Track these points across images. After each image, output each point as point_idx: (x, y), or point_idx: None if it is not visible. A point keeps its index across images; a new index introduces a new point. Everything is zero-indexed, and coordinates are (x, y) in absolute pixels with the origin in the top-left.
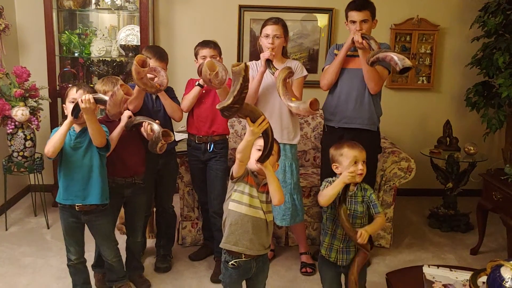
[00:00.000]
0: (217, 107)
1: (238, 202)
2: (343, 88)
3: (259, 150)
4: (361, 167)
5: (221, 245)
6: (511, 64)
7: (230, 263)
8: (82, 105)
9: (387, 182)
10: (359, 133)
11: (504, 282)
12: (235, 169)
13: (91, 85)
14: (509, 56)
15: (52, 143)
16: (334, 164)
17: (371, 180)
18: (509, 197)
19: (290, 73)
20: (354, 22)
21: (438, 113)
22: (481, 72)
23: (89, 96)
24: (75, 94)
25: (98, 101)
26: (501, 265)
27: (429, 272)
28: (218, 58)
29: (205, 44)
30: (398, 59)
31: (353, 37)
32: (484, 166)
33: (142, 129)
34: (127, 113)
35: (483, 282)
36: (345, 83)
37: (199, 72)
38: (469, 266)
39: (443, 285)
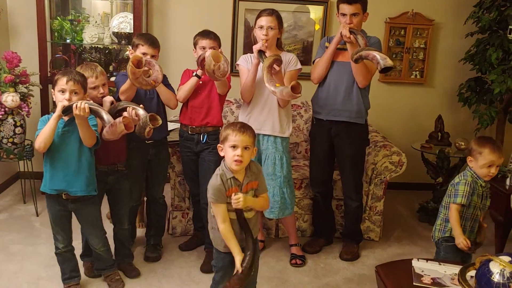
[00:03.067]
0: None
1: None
2: (332, 81)
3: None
4: (493, 171)
5: (213, 244)
6: (504, 60)
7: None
8: (76, 112)
9: (378, 176)
10: (347, 126)
11: (493, 276)
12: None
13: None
14: (502, 53)
15: (42, 138)
16: (469, 157)
17: (359, 172)
18: (497, 193)
19: (277, 60)
20: (344, 15)
21: (430, 108)
22: (474, 68)
23: (86, 105)
24: (64, 84)
25: (93, 112)
26: (490, 260)
27: (418, 265)
28: (218, 49)
29: (205, 34)
30: (380, 58)
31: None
32: None
33: (126, 114)
34: (109, 99)
35: (471, 277)
36: (334, 76)
37: (199, 63)
38: None
39: (431, 278)
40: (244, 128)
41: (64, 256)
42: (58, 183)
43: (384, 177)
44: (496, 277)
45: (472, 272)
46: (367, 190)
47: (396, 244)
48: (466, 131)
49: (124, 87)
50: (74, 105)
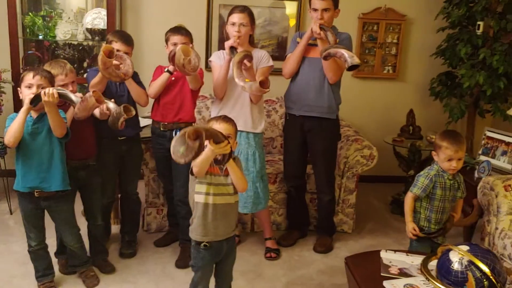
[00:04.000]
0: (171, 150)
1: (201, 193)
2: (304, 77)
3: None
4: (454, 165)
5: (191, 236)
6: (473, 55)
7: (202, 244)
8: (45, 98)
9: (350, 169)
10: (319, 121)
11: (452, 265)
12: (195, 172)
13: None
14: (471, 48)
15: (12, 132)
16: (433, 151)
17: (332, 166)
18: (466, 185)
19: (247, 56)
20: (316, 10)
21: (402, 102)
22: (445, 62)
23: (54, 91)
24: (31, 79)
25: (62, 96)
26: (450, 250)
27: (386, 256)
28: (190, 45)
29: (176, 30)
30: (347, 56)
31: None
32: None
33: (98, 109)
34: (79, 95)
35: (435, 265)
36: (306, 71)
37: (170, 58)
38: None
39: (398, 269)
40: (227, 118)
41: (37, 253)
42: (32, 180)
43: (356, 170)
44: (455, 266)
45: (434, 262)
46: (340, 183)
47: (368, 236)
48: (437, 124)
49: (94, 80)
50: (42, 92)
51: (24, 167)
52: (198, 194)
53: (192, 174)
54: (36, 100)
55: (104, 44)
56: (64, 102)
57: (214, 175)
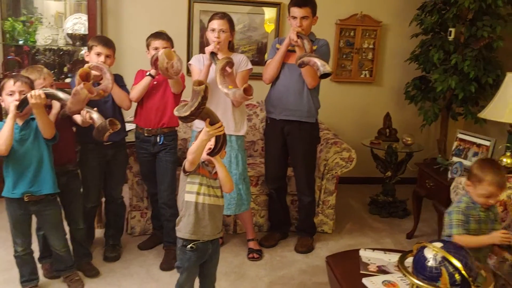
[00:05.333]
0: (175, 113)
1: (193, 192)
2: (283, 82)
3: (209, 148)
4: (492, 202)
5: (179, 235)
6: (445, 60)
7: (188, 246)
8: (32, 101)
9: (330, 171)
10: (298, 125)
11: (426, 261)
12: (187, 166)
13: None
14: (443, 53)
15: (3, 141)
16: (468, 181)
17: (311, 168)
18: (440, 185)
19: (229, 62)
20: (295, 17)
21: (379, 106)
22: (419, 67)
23: (40, 92)
24: (12, 86)
25: (50, 96)
26: (425, 247)
27: (365, 255)
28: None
29: (157, 35)
30: (320, 64)
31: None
32: (421, 156)
33: (80, 117)
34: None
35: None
36: (285, 77)
37: (153, 62)
38: (404, 249)
39: (377, 266)
40: None
41: (23, 259)
42: (24, 185)
43: (336, 172)
44: (430, 262)
45: (411, 259)
46: (320, 185)
47: (348, 236)
48: (412, 127)
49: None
50: (28, 95)
51: (15, 173)
52: (189, 194)
53: (185, 172)
54: (22, 105)
55: (85, 49)
56: (50, 102)
57: (203, 176)
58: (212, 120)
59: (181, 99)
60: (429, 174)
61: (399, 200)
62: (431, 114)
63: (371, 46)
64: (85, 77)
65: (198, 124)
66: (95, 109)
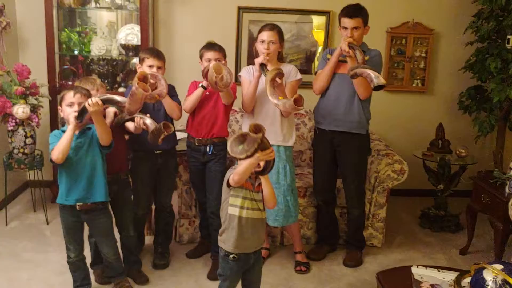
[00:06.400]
0: (228, 150)
1: (236, 206)
2: (334, 92)
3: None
4: None
5: (222, 246)
6: (503, 69)
7: (231, 256)
8: (90, 109)
9: (381, 184)
10: (348, 136)
11: (486, 284)
12: (232, 183)
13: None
14: (501, 62)
15: (60, 149)
16: None
17: (362, 181)
18: (497, 201)
19: (278, 73)
20: (346, 28)
21: (431, 116)
22: (474, 76)
23: (97, 99)
24: (72, 97)
25: (106, 101)
26: (484, 268)
27: (418, 272)
28: (223, 61)
29: (210, 46)
30: (374, 76)
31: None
32: (475, 169)
33: (135, 124)
34: (112, 110)
35: (468, 283)
36: (336, 87)
37: (204, 74)
38: (458, 266)
39: (430, 285)
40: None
41: (76, 265)
42: (77, 193)
43: (387, 185)
44: (490, 284)
45: (468, 279)
46: (370, 197)
47: (398, 250)
48: (466, 138)
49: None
50: (86, 104)
51: (69, 181)
52: (233, 207)
53: (229, 186)
54: (82, 114)
55: (137, 62)
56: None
57: (246, 189)
58: (264, 146)
59: (232, 108)
60: (485, 188)
61: (452, 214)
62: (487, 125)
63: (423, 55)
64: (143, 79)
65: (244, 126)
66: (148, 115)
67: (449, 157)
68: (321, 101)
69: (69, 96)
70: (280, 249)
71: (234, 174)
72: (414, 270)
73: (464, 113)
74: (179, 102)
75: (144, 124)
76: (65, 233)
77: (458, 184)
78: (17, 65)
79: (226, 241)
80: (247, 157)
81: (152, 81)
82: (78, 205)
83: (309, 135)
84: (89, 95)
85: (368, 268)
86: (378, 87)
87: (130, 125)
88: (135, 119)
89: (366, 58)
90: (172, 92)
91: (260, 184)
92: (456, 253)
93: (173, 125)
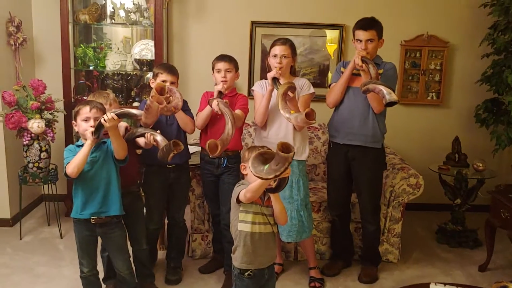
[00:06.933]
0: (252, 170)
1: (247, 222)
2: (348, 106)
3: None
4: None
5: (235, 264)
6: None
7: (246, 274)
8: (107, 124)
9: (396, 198)
10: (363, 150)
11: None
12: (243, 200)
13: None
14: None
15: (76, 164)
16: None
17: (377, 195)
18: None
19: (290, 87)
20: (360, 40)
21: (447, 129)
22: (491, 89)
23: (112, 114)
24: (88, 112)
25: (122, 116)
26: (506, 286)
27: None
28: (233, 72)
29: (221, 57)
30: (386, 92)
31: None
32: (493, 183)
33: (145, 140)
34: (123, 125)
35: None
36: (350, 101)
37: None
38: (477, 284)
39: None
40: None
41: (89, 280)
42: (92, 207)
43: (402, 199)
44: None
45: None
46: (385, 212)
47: (414, 266)
48: (483, 152)
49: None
50: (102, 120)
51: (84, 195)
52: (243, 223)
53: (238, 202)
54: (99, 130)
55: (151, 78)
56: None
57: (256, 204)
58: None
59: (245, 122)
60: (504, 203)
61: (470, 229)
62: (505, 138)
63: (438, 67)
64: (160, 91)
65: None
66: (158, 131)
67: (466, 171)
68: (335, 114)
69: (85, 111)
70: (294, 264)
71: (246, 191)
72: (433, 287)
73: (481, 126)
74: (192, 116)
75: (155, 140)
76: (79, 247)
77: (476, 198)
78: (33, 81)
79: (239, 258)
80: (276, 177)
81: (167, 95)
82: (93, 219)
83: (323, 148)
84: (104, 110)
85: (384, 284)
86: (391, 104)
87: (140, 141)
88: (146, 135)
89: (380, 71)
90: (185, 106)
91: (269, 199)
92: (475, 270)
93: (186, 140)
